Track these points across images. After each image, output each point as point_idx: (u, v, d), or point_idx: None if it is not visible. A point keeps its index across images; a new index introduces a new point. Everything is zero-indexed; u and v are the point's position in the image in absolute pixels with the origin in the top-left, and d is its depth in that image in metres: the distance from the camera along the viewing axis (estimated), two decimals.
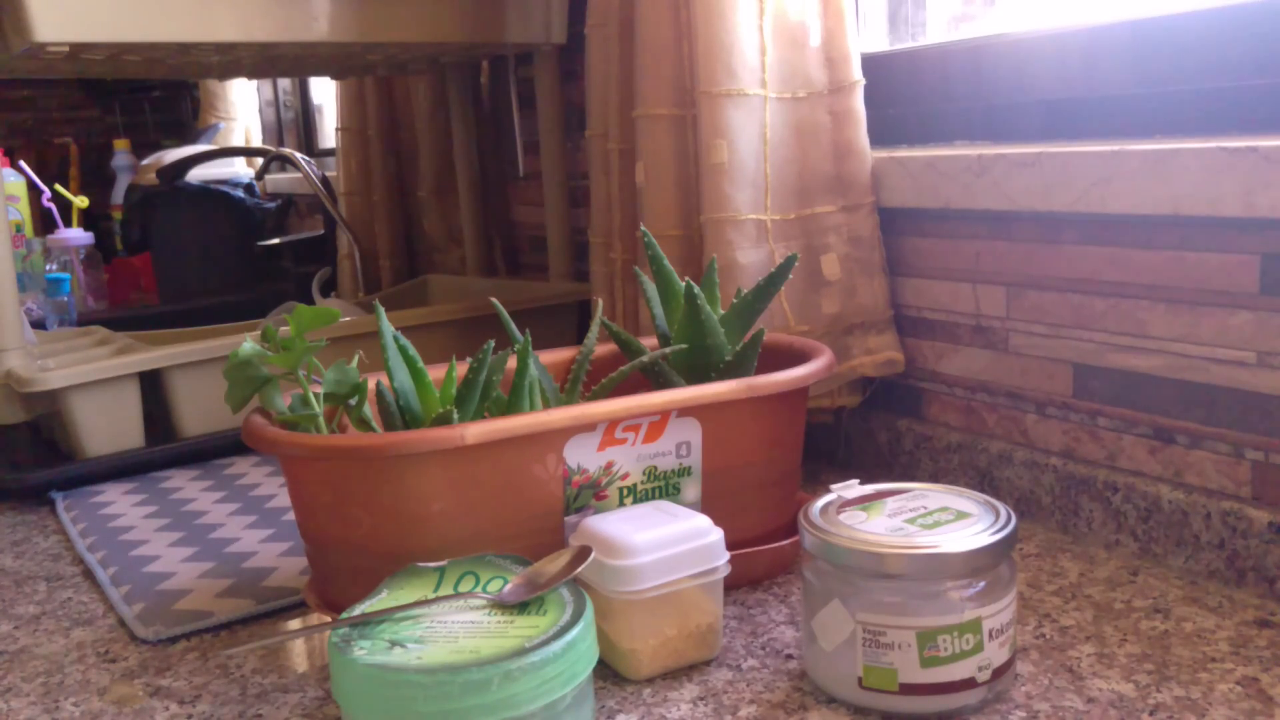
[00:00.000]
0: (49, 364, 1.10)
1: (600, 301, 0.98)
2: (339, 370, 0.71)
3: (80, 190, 2.54)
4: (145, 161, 2.18)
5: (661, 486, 0.73)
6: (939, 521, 0.59)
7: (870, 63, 0.98)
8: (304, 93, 2.51)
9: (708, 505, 0.74)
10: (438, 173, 1.65)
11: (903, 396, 0.98)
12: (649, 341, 0.84)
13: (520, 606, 0.55)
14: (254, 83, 2.56)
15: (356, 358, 0.74)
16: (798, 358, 0.80)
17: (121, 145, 2.64)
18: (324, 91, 2.45)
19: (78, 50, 1.10)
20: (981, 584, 0.57)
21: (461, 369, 0.73)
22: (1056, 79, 0.89)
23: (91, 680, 0.68)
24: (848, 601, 0.57)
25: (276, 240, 1.96)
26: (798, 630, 0.69)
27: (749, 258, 0.93)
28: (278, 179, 2.24)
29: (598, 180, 1.10)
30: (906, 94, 1.02)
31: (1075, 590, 0.73)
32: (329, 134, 2.34)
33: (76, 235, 1.97)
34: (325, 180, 1.76)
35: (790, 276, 0.79)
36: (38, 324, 1.63)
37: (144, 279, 2.06)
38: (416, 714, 0.49)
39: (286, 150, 1.76)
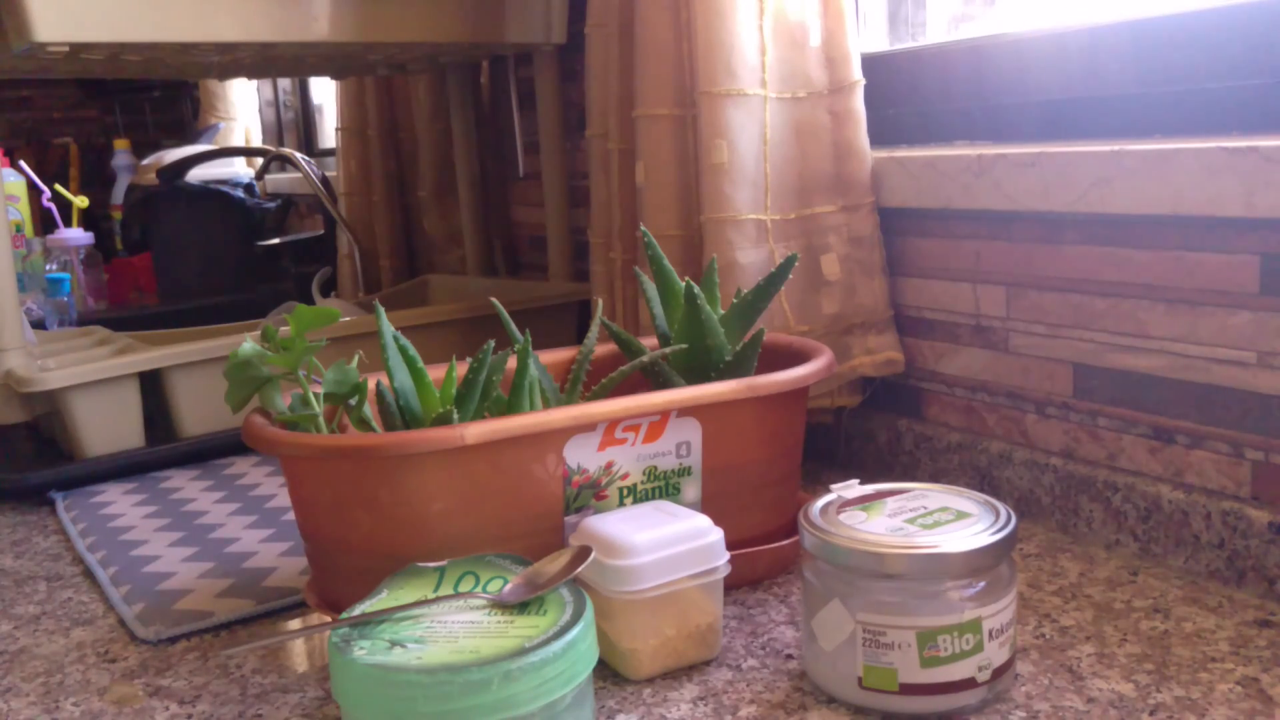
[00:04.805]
0: (49, 364, 1.10)
1: (600, 301, 0.98)
2: (339, 370, 0.71)
3: (80, 190, 2.54)
4: (145, 161, 2.18)
5: (661, 486, 0.73)
6: (939, 521, 0.59)
7: (870, 63, 0.98)
8: (304, 93, 2.51)
9: (708, 505, 0.74)
10: (438, 173, 1.65)
11: (903, 396, 0.98)
12: (649, 341, 0.84)
13: (520, 606, 0.55)
14: (254, 83, 2.56)
15: (356, 358, 0.74)
16: (798, 358, 0.80)
17: (121, 145, 2.64)
18: (324, 91, 2.45)
19: (78, 50, 1.10)
20: (981, 584, 0.57)
21: (461, 369, 0.73)
22: (1056, 79, 0.89)
23: (91, 680, 0.68)
24: (848, 601, 0.57)
25: (276, 240, 1.96)
26: (798, 630, 0.69)
27: (749, 258, 0.93)
28: (278, 179, 2.24)
29: (598, 180, 1.10)
30: (906, 94, 1.02)
31: (1075, 590, 0.73)
32: (329, 134, 2.34)
33: (76, 235, 1.97)
34: (325, 180, 1.76)
35: (790, 276, 0.79)
36: (38, 324, 1.63)
37: (144, 279, 2.05)
38: (416, 714, 0.49)
39: (286, 150, 1.76)
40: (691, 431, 0.72)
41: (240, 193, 2.05)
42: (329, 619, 0.69)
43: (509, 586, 0.57)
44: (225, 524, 0.94)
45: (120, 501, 1.02)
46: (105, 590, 0.81)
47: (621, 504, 0.71)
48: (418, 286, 1.63)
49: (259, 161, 1.98)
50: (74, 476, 1.08)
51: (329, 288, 1.72)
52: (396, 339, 0.71)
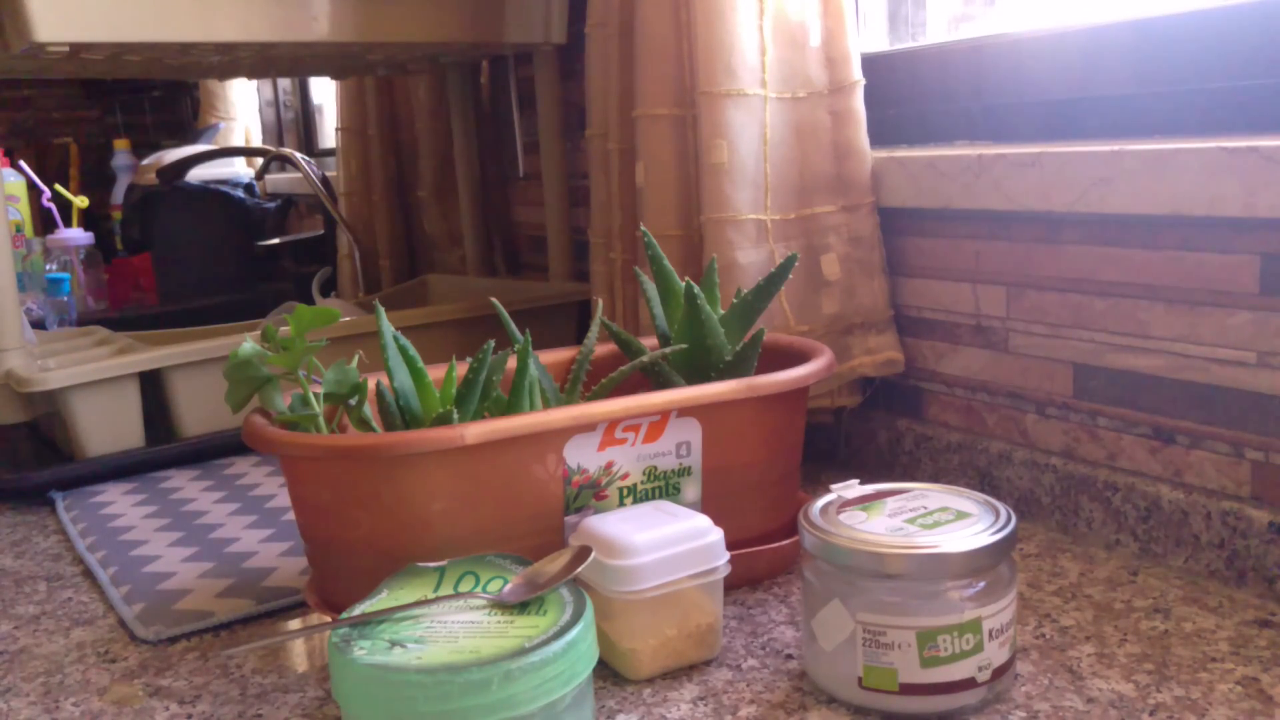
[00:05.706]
0: (49, 364, 1.10)
1: (600, 301, 0.98)
2: (339, 370, 0.71)
3: (80, 190, 2.54)
4: (145, 161, 2.19)
5: (661, 486, 0.73)
6: (939, 521, 0.59)
7: (870, 63, 0.98)
8: (304, 93, 2.51)
9: (708, 505, 0.74)
10: (438, 173, 1.65)
11: (903, 396, 0.98)
12: (649, 341, 0.84)
13: (520, 606, 0.55)
14: (254, 83, 2.56)
15: (356, 358, 0.74)
16: (798, 358, 0.80)
17: (121, 145, 2.64)
18: (324, 91, 2.45)
19: (78, 50, 1.10)
20: (981, 584, 0.57)
21: (461, 369, 0.73)
22: (1056, 79, 0.89)
23: (91, 680, 0.68)
24: (848, 601, 0.57)
25: (276, 240, 1.96)
26: (798, 630, 0.69)
27: (749, 258, 0.93)
28: (278, 179, 2.24)
29: (598, 180, 1.10)
30: (906, 94, 1.02)
31: (1075, 590, 0.73)
32: (329, 134, 2.34)
33: (76, 235, 1.97)
34: (325, 180, 1.76)
35: (790, 276, 0.79)
36: (38, 324, 1.63)
37: (144, 279, 2.05)
38: (416, 714, 0.49)
39: (286, 150, 1.76)
40: (691, 431, 0.72)
41: (240, 193, 2.05)
42: (329, 619, 0.69)
43: (509, 586, 0.57)
44: (225, 524, 0.94)
45: (120, 501, 1.02)
46: (105, 590, 0.81)
47: (621, 504, 0.71)
48: (418, 286, 1.63)
49: (259, 161, 1.98)
50: (74, 476, 1.08)
51: (329, 288, 1.72)
52: (396, 339, 0.71)
